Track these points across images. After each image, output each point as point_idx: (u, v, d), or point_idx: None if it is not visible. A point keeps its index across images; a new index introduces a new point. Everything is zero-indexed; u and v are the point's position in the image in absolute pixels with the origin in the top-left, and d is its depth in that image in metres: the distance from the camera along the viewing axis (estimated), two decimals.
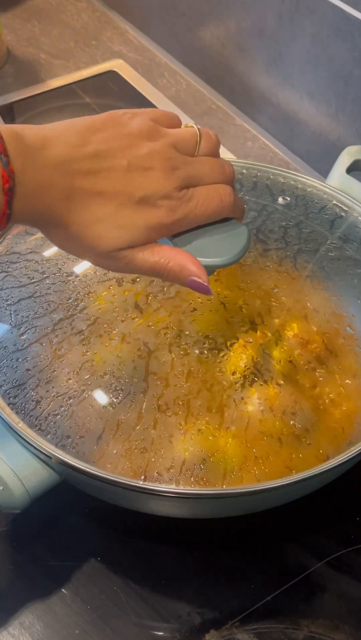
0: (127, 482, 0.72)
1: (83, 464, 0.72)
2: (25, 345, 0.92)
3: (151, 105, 1.33)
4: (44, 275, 0.93)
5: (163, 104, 1.33)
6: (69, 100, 1.35)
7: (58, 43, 1.47)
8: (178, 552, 0.81)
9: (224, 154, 1.25)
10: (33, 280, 0.93)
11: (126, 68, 1.41)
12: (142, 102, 1.34)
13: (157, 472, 0.81)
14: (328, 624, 0.75)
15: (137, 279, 0.95)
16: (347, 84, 1.11)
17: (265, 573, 0.79)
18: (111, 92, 1.37)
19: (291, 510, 0.79)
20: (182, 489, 0.74)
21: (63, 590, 0.78)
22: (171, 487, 0.74)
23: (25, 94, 1.35)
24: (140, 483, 0.72)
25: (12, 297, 0.92)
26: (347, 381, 0.90)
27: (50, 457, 0.73)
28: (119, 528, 0.82)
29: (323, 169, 1.22)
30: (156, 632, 0.75)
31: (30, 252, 0.95)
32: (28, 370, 0.91)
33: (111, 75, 1.40)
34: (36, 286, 0.92)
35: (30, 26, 1.50)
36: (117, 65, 1.41)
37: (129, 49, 1.46)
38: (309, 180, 1.01)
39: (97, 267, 0.86)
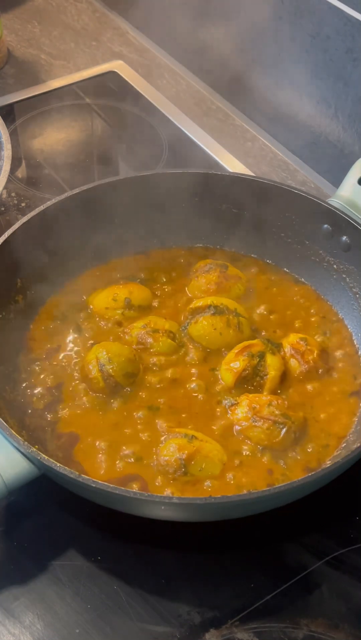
0: (105, 487, 0.72)
1: (64, 468, 0.72)
2: None
3: (151, 106, 1.33)
4: None
5: (163, 104, 1.33)
6: (69, 100, 1.35)
7: (58, 44, 1.47)
8: (178, 552, 0.81)
9: (225, 154, 1.25)
10: None
11: (126, 69, 1.41)
12: (142, 102, 1.34)
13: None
14: (328, 623, 0.76)
15: None
16: (347, 85, 1.11)
17: (265, 572, 0.80)
18: (111, 92, 1.37)
19: (291, 510, 0.79)
20: (159, 497, 0.75)
21: (63, 589, 0.78)
22: (147, 495, 0.74)
23: (25, 94, 1.36)
24: (118, 489, 0.72)
25: None
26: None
27: (29, 450, 0.73)
28: (119, 528, 0.82)
29: (323, 169, 1.22)
30: (156, 631, 0.75)
31: None
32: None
33: (111, 76, 1.40)
34: None
35: (30, 27, 1.51)
36: (117, 66, 1.41)
37: (130, 49, 1.46)
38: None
39: None
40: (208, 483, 0.80)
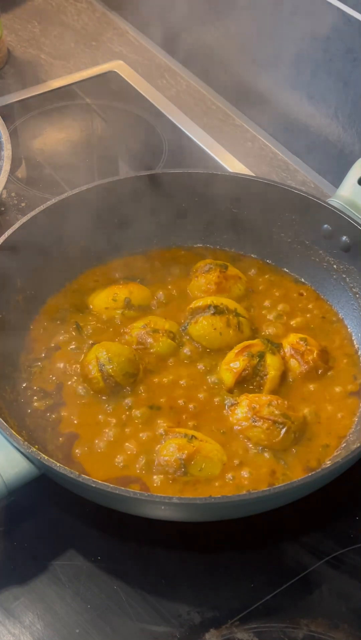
0: (105, 487, 0.72)
1: (64, 468, 0.72)
2: None
3: (151, 106, 1.33)
4: None
5: (163, 104, 1.33)
6: (69, 100, 1.35)
7: (58, 44, 1.47)
8: (178, 552, 0.81)
9: (225, 154, 1.25)
10: None
11: (126, 69, 1.41)
12: (142, 103, 1.34)
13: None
14: (328, 623, 0.76)
15: None
16: (347, 85, 1.11)
17: (265, 572, 0.80)
18: (111, 92, 1.37)
19: (291, 510, 0.79)
20: (152, 496, 0.74)
21: (63, 589, 0.78)
22: (144, 494, 0.74)
23: (25, 94, 1.36)
24: (118, 489, 0.72)
25: None
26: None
27: (29, 450, 0.73)
28: (119, 528, 0.82)
29: (323, 169, 1.22)
30: (156, 631, 0.75)
31: None
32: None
33: (111, 75, 1.40)
34: None
35: (30, 27, 1.51)
36: (117, 66, 1.41)
37: (129, 49, 1.46)
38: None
39: None
40: (207, 483, 0.80)
